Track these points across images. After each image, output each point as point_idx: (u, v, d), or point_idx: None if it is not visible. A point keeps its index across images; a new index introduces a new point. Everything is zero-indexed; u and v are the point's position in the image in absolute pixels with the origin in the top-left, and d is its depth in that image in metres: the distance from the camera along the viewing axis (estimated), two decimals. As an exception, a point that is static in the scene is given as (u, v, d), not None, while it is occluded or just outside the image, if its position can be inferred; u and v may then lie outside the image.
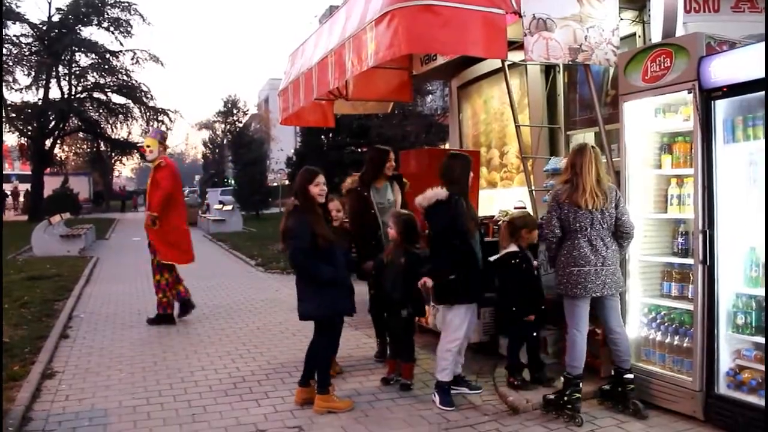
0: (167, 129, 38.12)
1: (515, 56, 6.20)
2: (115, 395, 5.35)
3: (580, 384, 4.59)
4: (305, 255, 4.69)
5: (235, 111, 46.08)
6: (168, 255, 8.20)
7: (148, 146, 8.23)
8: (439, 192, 4.84)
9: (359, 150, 30.59)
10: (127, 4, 35.08)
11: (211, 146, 53.93)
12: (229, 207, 24.32)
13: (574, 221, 4.56)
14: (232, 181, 47.06)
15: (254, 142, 34.99)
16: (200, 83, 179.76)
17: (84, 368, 6.15)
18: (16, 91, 34.29)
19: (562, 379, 4.69)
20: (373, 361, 6.20)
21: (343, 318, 5.14)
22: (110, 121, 37.23)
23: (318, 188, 4.82)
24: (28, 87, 33.83)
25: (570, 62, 5.31)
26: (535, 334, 5.29)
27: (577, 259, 4.54)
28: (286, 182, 50.75)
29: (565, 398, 4.57)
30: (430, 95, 30.70)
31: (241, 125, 45.84)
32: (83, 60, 35.77)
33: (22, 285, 10.78)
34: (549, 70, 7.77)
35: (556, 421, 4.54)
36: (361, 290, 5.76)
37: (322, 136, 29.93)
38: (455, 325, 4.92)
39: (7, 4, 31.35)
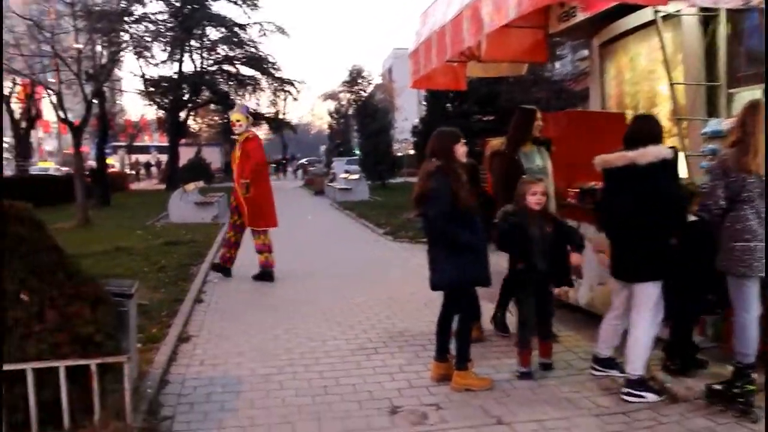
0: (294, 99, 38.92)
1: (670, 7, 5.55)
2: (248, 362, 5.30)
3: (753, 374, 4.03)
4: (446, 219, 4.39)
5: (360, 80, 46.26)
6: (259, 222, 8.77)
7: (237, 120, 8.77)
8: (662, 150, 4.18)
9: (486, 118, 29.98)
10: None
11: (336, 116, 54.58)
12: (356, 176, 24.42)
13: (742, 190, 3.96)
14: (357, 151, 47.54)
15: (379, 111, 34.94)
16: (325, 54, 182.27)
17: (217, 333, 6.18)
18: (153, 66, 36.02)
19: (730, 368, 4.15)
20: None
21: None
22: (239, 93, 38.40)
23: (463, 150, 4.54)
24: (164, 62, 35.44)
25: (743, 6, 4.64)
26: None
27: (742, 233, 3.96)
28: (411, 151, 50.87)
29: (736, 390, 4.01)
30: (559, 61, 29.42)
31: (366, 95, 45.98)
32: (213, 34, 37.05)
33: (160, 250, 11.17)
34: (707, 20, 6.98)
35: (723, 414, 3.99)
36: (496, 261, 5.37)
37: (448, 105, 29.50)
38: (654, 304, 4.29)
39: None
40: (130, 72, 43.08)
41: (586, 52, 18.07)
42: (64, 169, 43.17)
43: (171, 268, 9.39)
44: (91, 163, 50.02)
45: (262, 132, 59.83)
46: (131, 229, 14.80)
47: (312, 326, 6.37)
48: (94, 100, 20.72)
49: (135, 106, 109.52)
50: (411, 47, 7.91)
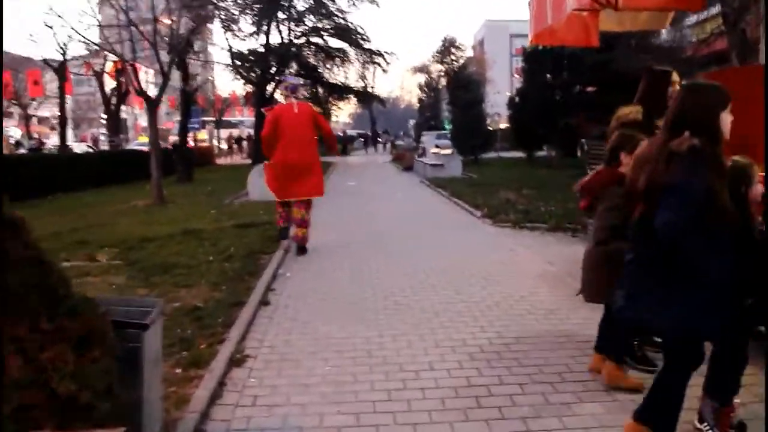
0: (383, 71, 37.47)
1: None
2: (316, 404, 3.89)
3: None
4: (689, 231, 2.77)
5: (453, 50, 44.31)
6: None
7: None
8: None
9: (589, 89, 27.68)
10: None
11: (426, 89, 52.89)
12: (448, 151, 22.79)
13: None
14: (447, 125, 45.74)
15: (472, 83, 33.02)
16: (414, 26, 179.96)
17: (281, 353, 4.80)
18: (240, 39, 35.23)
19: None
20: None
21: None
22: (327, 66, 37.22)
23: (729, 121, 2.97)
24: (251, 35, 34.57)
25: None
26: None
27: None
28: (503, 126, 48.71)
29: None
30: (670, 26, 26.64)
31: (459, 65, 44.02)
32: (300, 5, 35.84)
33: (231, 233, 9.98)
34: None
35: None
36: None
37: (548, 75, 27.36)
38: None
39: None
40: (217, 45, 42.49)
41: (715, 9, 15.81)
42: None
43: (239, 256, 8.14)
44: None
45: (350, 106, 58.98)
46: (207, 207, 13.78)
47: (402, 344, 4.92)
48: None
49: (226, 81, 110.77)
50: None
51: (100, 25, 13.66)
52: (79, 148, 39.68)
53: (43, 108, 52.88)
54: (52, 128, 64.48)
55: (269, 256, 8.24)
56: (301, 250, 8.71)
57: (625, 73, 24.21)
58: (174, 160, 23.97)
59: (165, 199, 14.70)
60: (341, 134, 62.97)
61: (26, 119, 52.52)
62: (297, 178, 8.77)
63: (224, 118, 61.28)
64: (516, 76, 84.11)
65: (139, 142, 46.48)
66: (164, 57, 14.45)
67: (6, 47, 44.73)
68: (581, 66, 26.12)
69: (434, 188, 17.70)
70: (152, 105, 14.26)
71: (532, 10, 6.20)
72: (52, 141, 59.01)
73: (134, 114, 76.90)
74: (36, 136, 50.22)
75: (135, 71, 13.99)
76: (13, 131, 57.93)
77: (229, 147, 52.85)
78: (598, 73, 25.49)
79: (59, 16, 13.56)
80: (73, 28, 13.05)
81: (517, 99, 28.50)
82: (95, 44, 13.65)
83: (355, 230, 10.65)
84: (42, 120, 60.68)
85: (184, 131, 23.27)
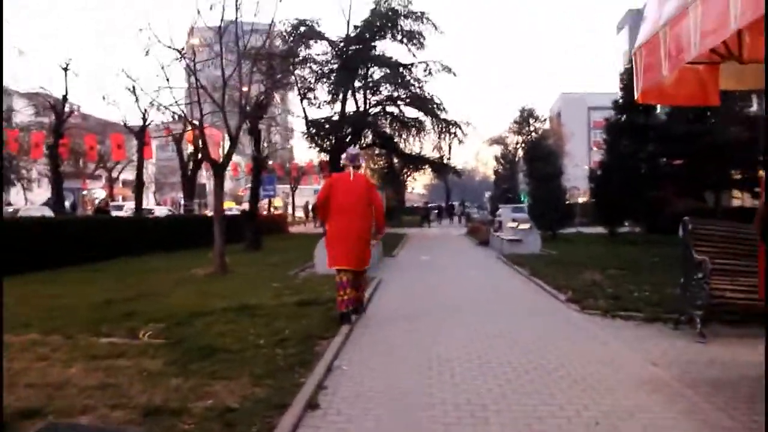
0: (459, 142, 36.85)
1: None
2: None
3: None
4: None
5: (531, 120, 43.44)
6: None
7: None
8: None
9: (676, 162, 26.20)
10: (420, 14, 34.40)
11: (503, 161, 52.01)
12: (526, 225, 21.56)
13: None
14: (524, 198, 44.46)
15: (551, 154, 31.90)
16: (490, 98, 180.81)
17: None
18: (318, 108, 35.38)
19: None
20: None
21: None
22: (403, 135, 36.87)
23: None
24: (327, 103, 34.67)
25: None
26: None
27: None
28: (581, 199, 47.10)
29: None
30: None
31: (537, 135, 43.05)
32: (377, 74, 35.78)
33: (289, 312, 9.09)
34: None
35: None
36: None
37: (631, 146, 25.97)
38: None
39: (309, 24, 32.30)
40: (294, 113, 42.97)
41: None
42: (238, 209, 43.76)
43: (293, 340, 7.21)
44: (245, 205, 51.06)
45: (425, 176, 58.53)
46: (269, 279, 13.01)
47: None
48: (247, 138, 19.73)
49: (303, 149, 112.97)
50: (638, 40, 5.28)
51: (169, 87, 13.33)
52: (159, 211, 40.31)
53: (127, 171, 54.63)
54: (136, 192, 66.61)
55: (327, 342, 7.28)
56: (356, 311, 9.01)
57: (716, 144, 22.86)
58: (243, 227, 23.63)
59: (227, 268, 14.06)
60: (422, 205, 62.78)
61: (110, 181, 54.26)
62: (354, 247, 8.82)
63: (300, 186, 61.94)
64: (595, 148, 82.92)
65: (227, 207, 47.11)
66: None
67: (93, 111, 46.63)
68: (669, 137, 24.78)
69: (512, 265, 16.51)
70: (218, 170, 13.79)
71: (638, 62, 5.21)
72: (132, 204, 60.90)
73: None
74: (114, 198, 51.44)
75: (203, 135, 13.61)
76: (99, 192, 59.99)
77: (306, 215, 53.00)
78: (687, 145, 24.06)
79: (129, 77, 13.12)
80: (140, 89, 12.72)
81: (599, 172, 27.23)
82: (165, 107, 13.33)
83: (424, 314, 9.58)
84: (127, 183, 62.52)
85: (254, 197, 22.93)
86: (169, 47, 13.03)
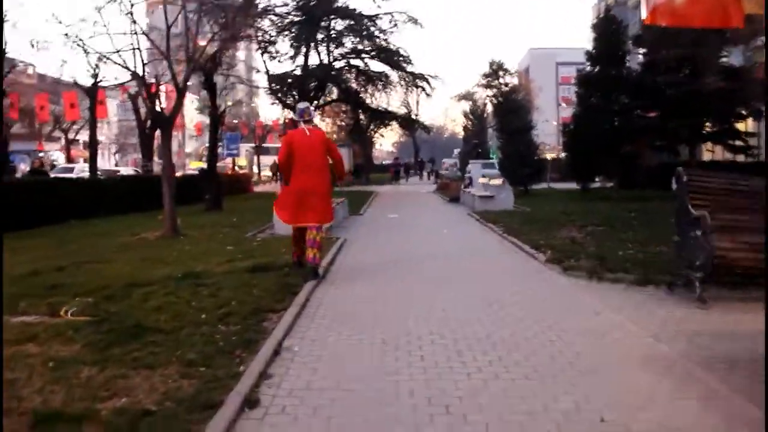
0: (427, 95, 35.76)
1: None
2: None
3: None
4: None
5: (501, 73, 42.34)
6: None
7: None
8: None
9: (650, 115, 25.37)
10: (385, -40, 32.88)
11: (471, 117, 50.98)
12: (498, 181, 20.67)
13: None
14: (494, 155, 43.60)
15: (522, 108, 30.90)
16: (456, 55, 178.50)
17: None
18: (279, 62, 33.94)
19: None
20: None
21: None
22: (369, 90, 35.58)
23: None
24: (291, 57, 33.19)
25: None
26: None
27: None
28: (551, 155, 46.48)
29: None
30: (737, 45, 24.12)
31: (507, 88, 42.01)
32: (340, 25, 34.29)
33: (240, 279, 8.08)
34: None
35: None
36: None
37: (602, 97, 25.01)
38: None
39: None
40: (256, 69, 41.27)
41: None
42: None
43: (240, 315, 6.23)
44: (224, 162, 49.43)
45: (393, 133, 57.37)
46: (224, 242, 11.97)
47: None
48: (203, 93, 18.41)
49: (269, 108, 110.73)
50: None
51: (108, 34, 11.91)
52: (125, 172, 38.68)
53: (86, 132, 52.52)
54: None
55: (278, 316, 6.31)
56: (314, 273, 8.45)
57: (690, 95, 22.09)
58: (202, 187, 22.44)
59: (179, 230, 12.96)
60: (393, 161, 61.78)
61: (67, 143, 52.07)
62: (308, 203, 8.73)
63: (266, 145, 60.33)
64: (563, 104, 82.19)
65: (193, 167, 45.17)
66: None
67: (44, 70, 44.42)
68: (642, 89, 23.94)
69: (485, 223, 15.61)
70: (164, 125, 12.59)
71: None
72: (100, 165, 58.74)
73: (178, 138, 76.88)
74: (75, 160, 49.41)
75: (145, 86, 12.34)
76: (57, 155, 57.68)
77: (274, 174, 51.57)
78: (660, 97, 23.25)
79: (60, 22, 11.56)
80: (75, 37, 11.14)
81: (571, 126, 26.37)
82: (104, 56, 11.92)
83: (391, 280, 8.64)
84: (87, 144, 60.16)
85: (212, 156, 21.65)
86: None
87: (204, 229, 14.28)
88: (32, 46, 21.89)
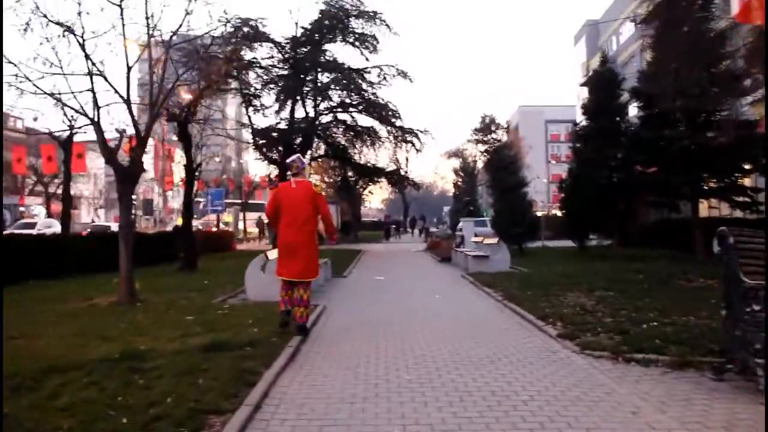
0: (417, 151, 34.70)
1: None
2: None
3: None
4: None
5: (493, 127, 41.48)
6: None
7: None
8: None
9: (650, 170, 24.21)
10: (372, 14, 32.06)
11: (462, 174, 50.04)
12: (493, 240, 19.32)
13: None
14: (485, 212, 42.42)
15: (515, 163, 29.79)
16: (446, 112, 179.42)
17: None
18: (264, 116, 32.87)
19: None
20: None
21: None
22: (357, 145, 34.46)
23: None
24: (276, 112, 32.16)
25: None
26: None
27: None
28: (548, 213, 45.32)
29: None
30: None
31: (500, 144, 41.07)
32: (327, 79, 33.34)
33: (187, 363, 6.55)
34: None
35: None
36: None
37: (599, 152, 23.90)
38: None
39: (253, 24, 29.70)
40: (244, 124, 40.25)
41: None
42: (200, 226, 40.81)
43: (173, 419, 4.74)
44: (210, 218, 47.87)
45: (381, 189, 56.29)
46: (185, 311, 10.41)
47: None
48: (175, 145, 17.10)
49: (258, 164, 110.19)
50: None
51: (62, 74, 10.56)
52: (116, 227, 37.21)
53: (75, 186, 51.22)
54: (75, 207, 62.79)
55: (222, 421, 4.82)
56: (302, 329, 8.45)
57: (689, 150, 20.98)
58: (178, 245, 20.98)
59: (136, 295, 11.45)
60: (384, 219, 60.82)
61: (47, 196, 50.50)
62: (292, 257, 8.66)
63: (252, 201, 59.01)
64: (553, 162, 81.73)
65: (179, 223, 43.65)
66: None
67: (20, 124, 43.25)
68: (640, 143, 22.85)
69: (480, 287, 14.13)
70: (124, 176, 11.22)
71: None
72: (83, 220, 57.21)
73: (165, 195, 75.46)
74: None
75: (99, 130, 10.98)
76: (38, 210, 56.12)
77: (261, 231, 50.04)
78: (659, 151, 22.12)
79: (10, 62, 10.10)
80: (22, 77, 9.75)
81: (569, 181, 25.17)
82: (54, 96, 10.49)
83: (373, 366, 7.04)
84: (75, 198, 58.50)
85: (187, 212, 20.23)
86: (55, 22, 10.33)
87: (167, 294, 12.76)
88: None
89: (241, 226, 51.30)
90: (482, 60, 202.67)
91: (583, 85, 55.72)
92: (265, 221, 48.92)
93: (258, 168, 56.66)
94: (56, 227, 31.52)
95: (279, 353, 7.10)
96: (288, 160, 9.31)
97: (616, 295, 11.59)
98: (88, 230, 34.27)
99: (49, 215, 46.66)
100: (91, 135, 18.86)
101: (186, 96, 18.99)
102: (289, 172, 9.13)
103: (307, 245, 8.72)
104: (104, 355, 6.91)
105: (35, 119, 13.93)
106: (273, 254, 12.55)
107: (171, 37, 11.81)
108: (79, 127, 19.31)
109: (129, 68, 10.83)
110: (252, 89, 31.28)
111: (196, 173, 21.28)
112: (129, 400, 5.28)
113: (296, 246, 8.63)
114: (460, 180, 51.50)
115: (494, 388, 5.87)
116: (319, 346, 8.08)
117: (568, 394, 5.64)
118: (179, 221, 47.63)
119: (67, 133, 26.19)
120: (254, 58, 30.98)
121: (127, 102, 10.86)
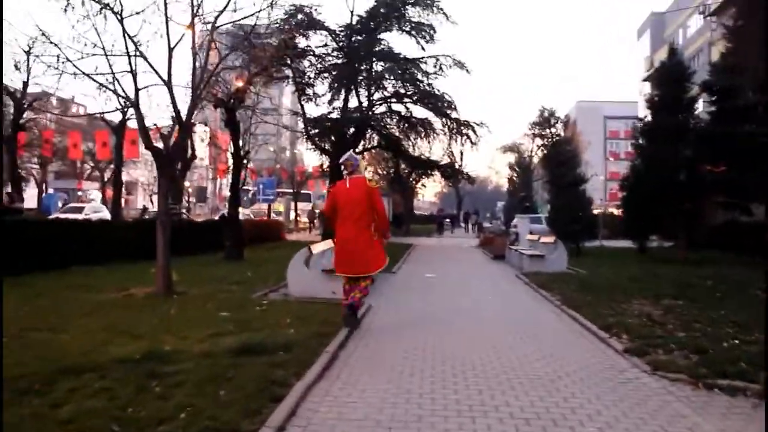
0: (472, 144, 33.70)
1: None
2: None
3: None
4: None
5: (552, 121, 40.16)
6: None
7: None
8: None
9: (718, 169, 22.82)
10: (429, 2, 31.08)
11: (518, 168, 48.85)
12: (550, 239, 18.38)
13: None
14: (541, 209, 41.25)
15: (574, 158, 28.64)
16: (503, 102, 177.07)
17: None
18: (316, 105, 32.37)
19: None
20: None
21: None
22: (411, 137, 33.62)
23: None
24: (329, 101, 31.61)
25: None
26: None
27: None
28: (605, 211, 43.82)
29: None
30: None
31: (559, 137, 39.74)
32: (381, 67, 32.54)
33: (214, 367, 5.95)
34: None
35: None
36: None
37: (665, 148, 22.59)
38: None
39: (307, 11, 29.11)
40: (290, 110, 39.72)
41: None
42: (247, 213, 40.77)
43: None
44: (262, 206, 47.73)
45: (436, 184, 55.43)
46: (222, 306, 9.85)
47: None
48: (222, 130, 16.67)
49: (312, 154, 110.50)
50: None
51: (104, 54, 10.13)
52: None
53: (130, 172, 52.06)
54: (129, 193, 63.69)
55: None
56: (351, 310, 8.65)
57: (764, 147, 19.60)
58: (224, 234, 20.58)
59: (173, 287, 10.98)
60: (437, 213, 60.10)
61: (103, 182, 51.26)
62: (349, 254, 8.75)
63: (304, 191, 58.84)
64: (611, 159, 79.40)
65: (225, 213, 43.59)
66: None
67: (81, 110, 43.76)
68: (711, 139, 21.48)
69: (537, 289, 13.26)
70: (162, 162, 10.74)
71: None
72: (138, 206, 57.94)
73: (217, 182, 75.87)
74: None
75: (138, 114, 10.52)
76: (95, 194, 57.01)
77: (311, 222, 49.72)
78: (730, 148, 20.75)
79: (52, 43, 9.69)
80: (65, 58, 9.38)
81: (631, 178, 23.91)
82: (89, 75, 10.04)
83: (418, 380, 6.29)
84: (129, 183, 59.36)
85: (234, 200, 19.83)
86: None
87: (207, 285, 12.27)
88: (16, 68, 20.35)
89: (292, 215, 51.11)
90: (539, 54, 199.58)
91: (645, 80, 53.81)
92: (316, 212, 48.80)
93: (312, 159, 56.38)
94: (104, 212, 31.65)
95: (314, 360, 6.42)
96: (341, 159, 9.30)
97: (686, 303, 10.65)
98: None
99: (104, 201, 47.21)
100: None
101: (237, 83, 18.53)
102: (344, 170, 9.08)
103: (366, 240, 8.76)
104: (126, 355, 6.36)
105: (73, 100, 13.52)
106: (317, 248, 11.98)
107: (216, 18, 11.22)
108: (130, 111, 19.11)
109: (171, 49, 10.31)
110: (306, 78, 30.74)
111: (244, 161, 20.81)
112: (139, 412, 4.69)
113: (354, 242, 8.70)
114: (515, 175, 50.34)
115: (555, 415, 5.08)
116: (359, 350, 7.41)
117: (643, 428, 4.82)
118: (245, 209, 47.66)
119: (119, 118, 26.30)
120: (308, 46, 30.46)
121: (168, 84, 10.35)
